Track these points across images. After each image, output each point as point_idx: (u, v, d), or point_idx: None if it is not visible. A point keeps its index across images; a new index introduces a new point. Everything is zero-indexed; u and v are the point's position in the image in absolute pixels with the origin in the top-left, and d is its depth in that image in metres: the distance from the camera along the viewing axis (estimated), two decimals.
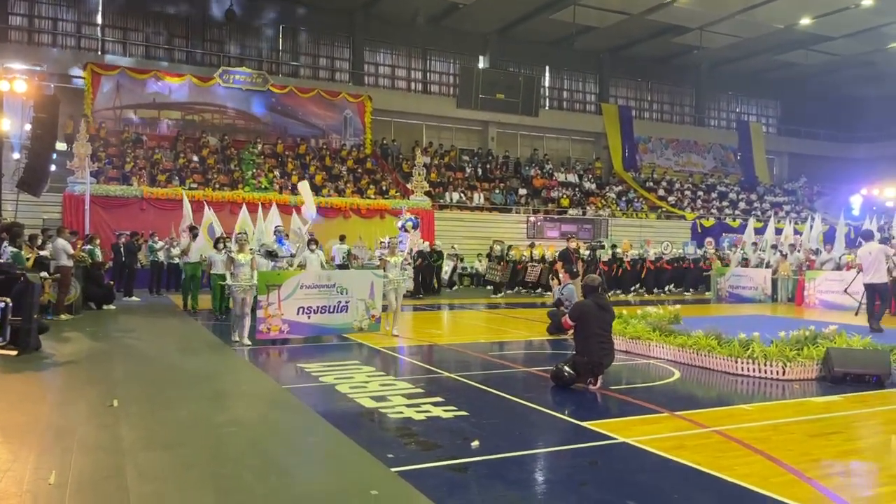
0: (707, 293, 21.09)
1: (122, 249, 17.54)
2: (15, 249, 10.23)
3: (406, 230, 15.06)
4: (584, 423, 5.70)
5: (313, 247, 13.54)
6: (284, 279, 10.10)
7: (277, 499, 4.00)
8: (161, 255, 18.44)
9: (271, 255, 12.85)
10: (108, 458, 4.74)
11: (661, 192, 34.23)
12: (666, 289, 21.65)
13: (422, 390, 6.89)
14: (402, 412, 5.96)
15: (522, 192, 30.96)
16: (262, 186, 24.17)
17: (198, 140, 26.58)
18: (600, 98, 36.66)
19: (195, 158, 25.38)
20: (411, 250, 18.35)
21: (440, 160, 31.05)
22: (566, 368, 7.15)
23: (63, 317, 12.43)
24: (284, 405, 6.55)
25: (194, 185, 23.08)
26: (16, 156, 19.96)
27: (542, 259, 20.28)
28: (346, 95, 29.73)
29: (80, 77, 25.60)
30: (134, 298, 16.56)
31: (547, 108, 34.77)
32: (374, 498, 3.99)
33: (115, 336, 10.86)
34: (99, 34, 27.95)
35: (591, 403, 6.69)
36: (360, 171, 28.02)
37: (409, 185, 26.48)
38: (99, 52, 27.26)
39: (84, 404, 6.27)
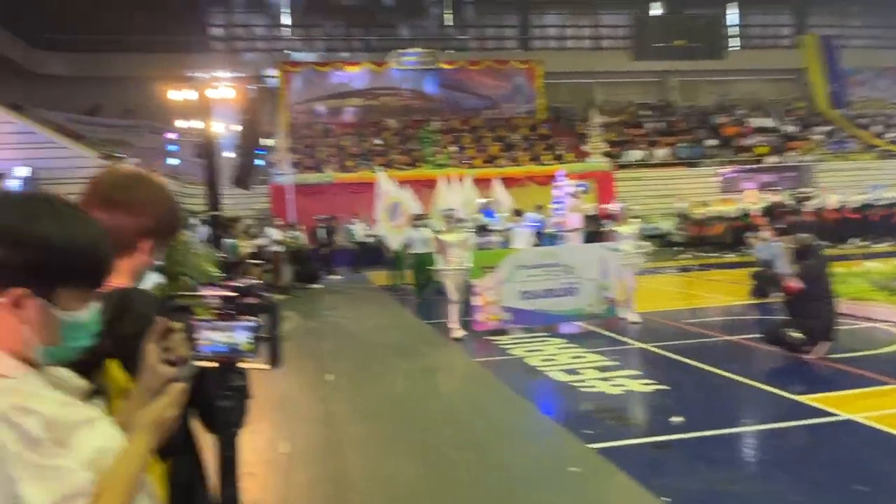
0: None
1: (322, 232, 19.03)
2: (232, 241, 11.54)
3: (575, 196, 14.56)
4: (800, 398, 5.25)
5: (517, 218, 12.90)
6: (501, 260, 8.97)
7: (479, 472, 4.16)
8: (359, 236, 19.75)
9: (482, 229, 12.10)
10: (326, 429, 5.21)
11: (878, 129, 30.20)
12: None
13: (615, 363, 6.75)
14: (595, 386, 5.89)
15: (711, 143, 28.90)
16: (441, 163, 24.88)
17: (378, 123, 27.94)
18: (798, 30, 32.96)
19: (377, 141, 26.73)
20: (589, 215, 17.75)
21: (617, 118, 29.90)
22: (791, 332, 6.43)
23: (277, 297, 13.79)
24: (477, 379, 6.77)
25: (379, 168, 24.33)
26: (228, 155, 22.30)
27: (724, 216, 18.83)
28: (515, 63, 29.53)
29: (274, 77, 27.90)
30: (336, 277, 17.93)
31: (734, 48, 31.98)
32: (573, 475, 4.01)
33: (323, 314, 11.83)
34: (287, 35, 30.22)
35: (806, 375, 6.15)
36: (534, 137, 27.82)
37: (585, 147, 25.83)
38: (289, 52, 29.49)
39: (303, 378, 6.93)
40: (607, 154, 25.49)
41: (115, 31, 25.29)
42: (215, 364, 1.34)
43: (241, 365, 1.34)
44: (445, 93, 29.28)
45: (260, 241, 14.42)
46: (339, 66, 28.24)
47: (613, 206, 10.41)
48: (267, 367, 1.37)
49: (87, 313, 1.13)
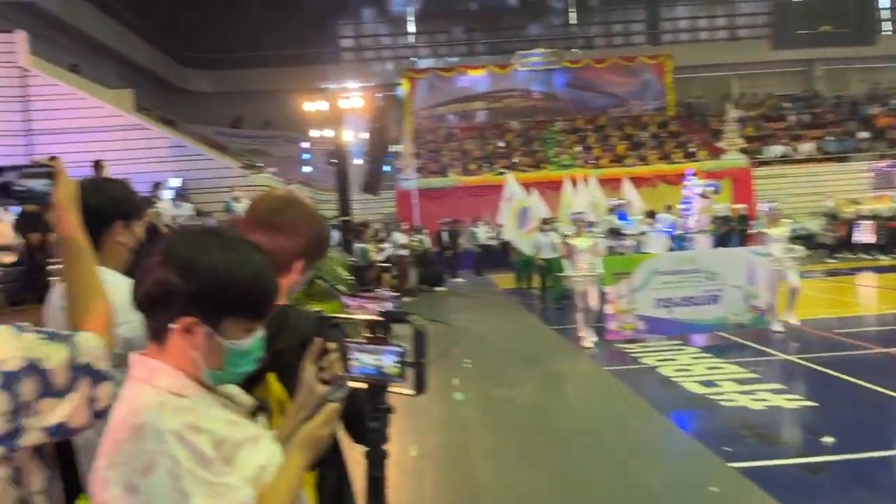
0: None
1: (446, 236, 19.34)
2: (363, 245, 11.99)
3: (706, 196, 13.58)
4: None
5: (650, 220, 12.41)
6: (635, 265, 8.49)
7: (611, 488, 4.05)
8: (482, 239, 19.90)
9: (614, 232, 11.74)
10: (455, 434, 5.27)
11: None
12: None
13: (756, 375, 6.36)
14: (735, 400, 5.57)
15: (862, 135, 26.53)
16: (565, 164, 24.52)
17: (501, 126, 27.98)
18: None
19: (500, 144, 26.77)
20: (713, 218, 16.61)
21: (755, 111, 28.15)
22: None
23: (404, 300, 14.17)
24: (609, 389, 6.59)
25: (502, 171, 24.36)
26: (358, 162, 23.17)
27: (878, 215, 17.17)
28: (643, 58, 28.56)
29: (399, 84, 28.70)
30: (459, 280, 18.15)
31: (887, 32, 29.19)
32: (713, 496, 3.81)
33: (449, 317, 12.00)
34: (411, 42, 30.99)
35: None
36: (664, 135, 26.78)
37: (720, 144, 24.52)
38: (413, 59, 30.23)
39: (432, 382, 7.04)
40: (744, 150, 24.06)
41: (253, 48, 27.02)
42: (365, 385, 1.39)
43: (388, 390, 1.38)
44: (570, 92, 28.86)
45: (386, 246, 14.88)
46: (463, 70, 28.58)
47: (762, 206, 9.60)
48: (412, 393, 1.40)
49: (250, 342, 1.19)
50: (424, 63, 29.53)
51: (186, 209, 13.36)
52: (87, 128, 15.03)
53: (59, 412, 1.13)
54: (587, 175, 16.09)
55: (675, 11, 30.83)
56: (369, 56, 30.89)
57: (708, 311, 8.23)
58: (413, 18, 30.57)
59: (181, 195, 14.42)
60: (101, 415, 1.21)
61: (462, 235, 19.95)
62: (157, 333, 1.16)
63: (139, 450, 1.06)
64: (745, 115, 27.17)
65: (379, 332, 1.38)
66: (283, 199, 1.63)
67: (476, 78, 28.58)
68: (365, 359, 1.38)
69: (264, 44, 26.83)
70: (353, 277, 8.47)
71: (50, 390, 1.12)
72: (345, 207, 14.41)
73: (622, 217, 12.44)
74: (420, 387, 1.42)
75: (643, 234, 12.04)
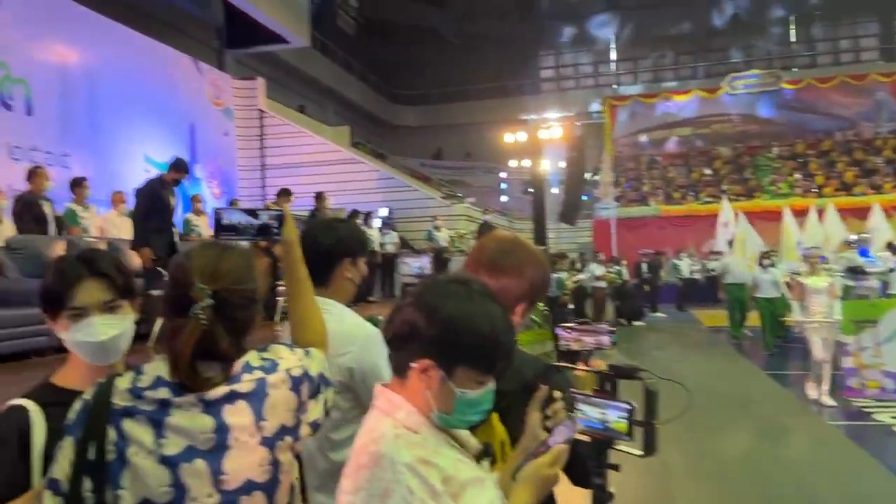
0: None
1: (646, 267, 18.56)
2: (559, 276, 11.86)
3: None
4: None
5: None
6: (883, 312, 7.40)
7: None
8: (685, 272, 18.85)
9: (854, 271, 10.25)
10: (658, 481, 4.95)
11: None
12: None
13: None
14: None
15: None
16: (782, 192, 22.52)
17: (708, 152, 26.46)
18: None
19: (707, 171, 25.30)
20: None
21: None
22: None
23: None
24: (834, 446, 5.85)
25: (708, 199, 22.98)
26: (554, 191, 23.18)
27: None
28: (876, 76, 25.47)
29: (599, 112, 28.35)
30: (659, 314, 17.28)
31: None
32: None
33: (650, 353, 11.43)
34: (612, 69, 30.54)
35: None
36: None
37: None
38: (614, 86, 29.75)
39: None
40: None
41: (455, 83, 28.26)
42: (587, 438, 1.32)
43: (614, 447, 1.30)
44: (787, 115, 26.57)
45: (582, 277, 14.59)
46: (667, 95, 27.53)
47: None
48: (640, 453, 1.31)
49: (480, 394, 1.20)
50: (626, 90, 28.92)
51: (393, 237, 14.17)
52: (311, 162, 16.64)
53: (315, 412, 1.36)
54: (819, 204, 14.47)
55: None
56: (569, 85, 30.93)
57: None
58: (615, 46, 30.16)
59: (388, 223, 15.34)
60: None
61: (663, 268, 19.02)
62: (399, 369, 1.23)
63: (377, 477, 1.13)
64: None
65: (606, 385, 1.30)
66: (509, 242, 1.63)
67: (681, 103, 27.36)
68: (590, 411, 1.31)
69: (466, 78, 27.95)
70: (547, 308, 8.41)
71: (313, 393, 1.36)
72: (541, 237, 14.42)
73: (863, 253, 10.78)
74: (649, 449, 1.32)
75: (892, 271, 10.31)
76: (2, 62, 10.27)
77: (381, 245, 12.88)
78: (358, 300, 2.10)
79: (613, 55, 30.42)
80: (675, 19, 29.00)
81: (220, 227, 1.51)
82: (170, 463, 1.20)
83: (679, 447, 5.79)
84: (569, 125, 18.36)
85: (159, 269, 6.24)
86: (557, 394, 1.30)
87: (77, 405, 1.26)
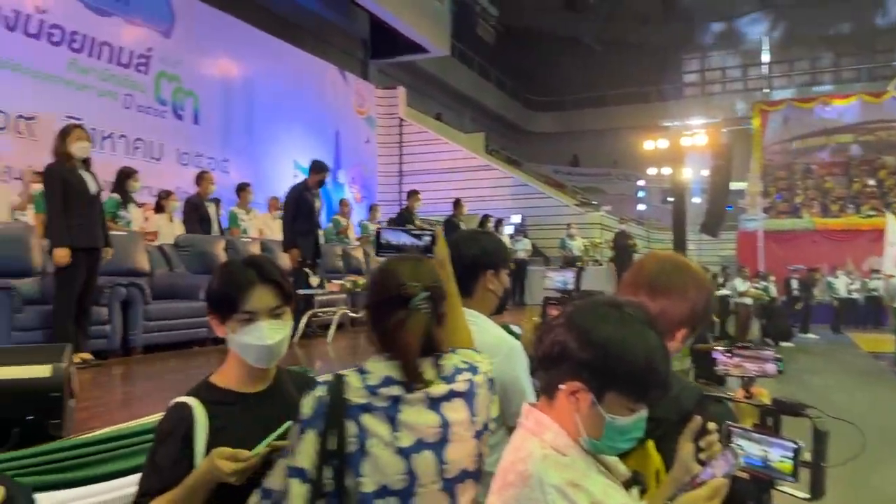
0: None
1: (796, 284, 17.26)
2: None
3: None
4: None
5: None
6: None
7: None
8: (841, 291, 17.35)
9: None
10: None
11: None
12: None
13: None
14: None
15: None
16: None
17: (872, 161, 24.16)
18: None
19: (870, 182, 23.13)
20: None
21: None
22: None
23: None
24: None
25: (871, 213, 20.99)
26: (697, 200, 22.10)
27: None
28: None
29: (747, 118, 26.73)
30: (811, 335, 16.00)
31: None
32: None
33: (799, 377, 10.56)
34: (763, 72, 28.70)
35: None
36: None
37: None
38: (765, 90, 27.95)
39: None
40: None
41: (594, 88, 27.73)
42: (746, 476, 1.24)
43: (776, 488, 1.22)
44: None
45: (725, 292, 13.78)
46: (826, 100, 25.45)
47: None
48: (806, 496, 1.21)
49: (631, 421, 1.16)
50: (779, 94, 27.09)
51: (525, 244, 14.12)
52: (447, 169, 16.95)
53: (494, 410, 1.50)
54: None
55: None
56: (714, 89, 29.42)
57: None
58: (768, 48, 28.34)
59: (520, 231, 15.31)
60: None
61: (816, 285, 17.57)
62: (548, 389, 1.22)
63: (525, 497, 1.13)
64: None
65: (767, 420, 1.22)
66: (671, 262, 1.55)
67: (841, 108, 25.17)
68: (749, 447, 1.23)
69: (605, 83, 27.36)
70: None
71: (493, 393, 1.50)
72: (680, 248, 13.79)
73: None
74: (817, 492, 1.22)
75: None
76: (175, 75, 11.33)
77: (513, 252, 12.89)
78: (499, 311, 2.11)
79: (765, 57, 28.58)
80: (834, 18, 26.82)
81: (380, 245, 1.67)
82: (404, 454, 1.34)
83: (844, 489, 5.30)
84: (714, 131, 17.45)
85: (305, 270, 6.61)
86: (712, 426, 1.24)
87: (310, 401, 1.38)
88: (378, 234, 1.70)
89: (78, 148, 4.78)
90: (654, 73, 27.75)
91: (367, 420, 1.35)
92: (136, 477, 2.60)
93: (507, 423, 1.77)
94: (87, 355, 4.88)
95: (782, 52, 28.37)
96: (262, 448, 1.44)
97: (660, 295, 1.45)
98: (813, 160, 25.46)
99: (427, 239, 1.66)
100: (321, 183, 7.33)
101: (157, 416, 3.07)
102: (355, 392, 1.37)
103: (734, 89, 29.01)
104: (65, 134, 4.78)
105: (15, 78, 8.79)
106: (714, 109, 26.64)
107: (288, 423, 1.43)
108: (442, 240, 1.68)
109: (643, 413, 1.17)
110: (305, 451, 1.34)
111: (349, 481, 1.33)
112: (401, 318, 1.38)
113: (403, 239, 1.66)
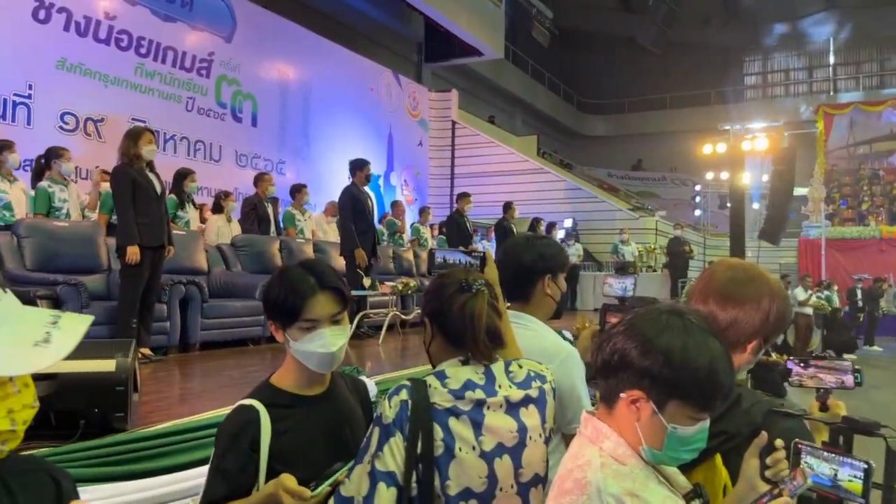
0: None
1: (861, 294, 16.59)
2: None
3: None
4: None
5: None
6: None
7: None
8: None
9: None
10: None
11: None
12: None
13: None
14: None
15: None
16: None
17: None
18: None
19: None
20: None
21: None
22: None
23: None
24: None
25: None
26: (755, 206, 21.45)
27: None
28: None
29: (811, 122, 25.83)
30: (876, 348, 15.36)
31: None
32: None
33: (864, 391, 10.12)
34: (829, 74, 27.72)
35: None
36: None
37: None
38: (830, 93, 26.99)
39: None
40: None
41: (651, 91, 27.24)
42: (813, 495, 1.20)
43: None
44: None
45: None
46: (895, 103, 24.41)
47: None
48: None
49: (693, 431, 1.13)
50: (845, 97, 26.11)
51: (577, 248, 13.96)
52: (498, 172, 16.92)
53: (551, 418, 1.55)
54: None
55: None
56: (777, 92, 28.54)
57: None
58: (833, 49, 27.38)
59: (571, 234, 15.15)
60: None
61: (883, 296, 16.85)
62: (608, 397, 1.20)
63: None
64: None
65: (838, 437, 1.17)
66: (744, 270, 1.47)
67: None
68: (818, 465, 1.18)
69: (661, 86, 26.86)
70: None
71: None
72: (737, 255, 13.42)
73: None
74: None
75: None
76: (234, 79, 11.62)
77: None
78: (556, 316, 2.09)
79: (830, 59, 27.59)
80: None
81: (434, 265, 1.82)
82: (486, 458, 1.38)
83: None
84: (776, 135, 16.92)
85: (360, 272, 6.67)
86: (779, 443, 1.19)
87: (393, 405, 1.39)
88: (431, 253, 1.86)
89: (147, 150, 4.94)
90: (714, 75, 27.10)
91: (454, 424, 1.38)
92: (195, 471, 2.69)
93: (561, 429, 1.75)
94: (147, 351, 5.05)
95: (848, 54, 27.36)
96: (325, 487, 1.43)
97: (731, 304, 1.39)
98: (880, 166, 24.43)
99: (477, 261, 1.78)
100: (368, 178, 7.39)
101: (214, 413, 3.17)
102: (441, 396, 1.40)
103: (797, 92, 28.08)
104: (135, 136, 4.95)
105: (84, 81, 9.18)
106: (776, 112, 25.78)
107: (350, 463, 1.42)
108: (491, 262, 1.77)
109: (706, 423, 1.14)
110: (392, 456, 1.35)
111: (435, 484, 1.35)
112: (464, 300, 1.46)
113: (451, 257, 1.81)
